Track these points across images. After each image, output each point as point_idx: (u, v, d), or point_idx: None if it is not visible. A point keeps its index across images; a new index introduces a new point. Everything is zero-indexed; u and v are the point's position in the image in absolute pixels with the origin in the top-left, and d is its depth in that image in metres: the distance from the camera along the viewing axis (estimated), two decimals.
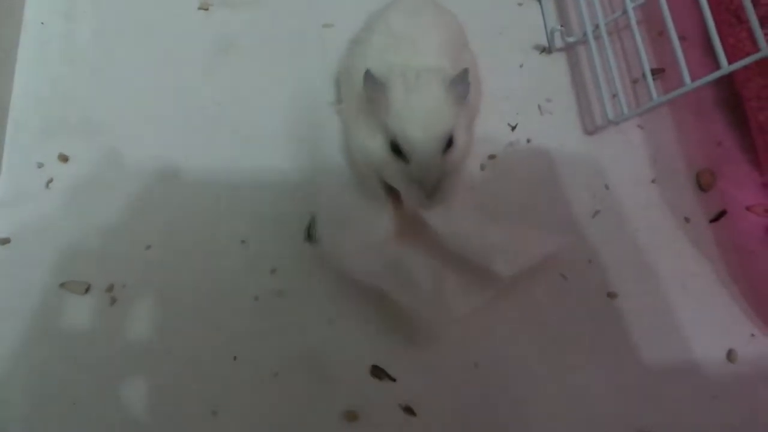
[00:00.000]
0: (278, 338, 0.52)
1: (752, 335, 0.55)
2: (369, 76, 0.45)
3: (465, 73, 0.46)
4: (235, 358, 0.51)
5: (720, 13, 0.58)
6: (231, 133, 0.58)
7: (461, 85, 0.46)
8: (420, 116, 0.44)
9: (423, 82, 0.45)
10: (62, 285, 0.52)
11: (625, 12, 0.57)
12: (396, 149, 0.46)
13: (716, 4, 0.58)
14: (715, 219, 0.59)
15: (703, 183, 0.60)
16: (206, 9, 0.63)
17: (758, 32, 0.47)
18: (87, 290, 0.52)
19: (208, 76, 0.61)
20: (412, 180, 0.46)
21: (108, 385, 0.50)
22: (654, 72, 0.63)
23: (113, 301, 0.52)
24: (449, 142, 0.46)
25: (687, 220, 0.59)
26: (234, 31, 0.63)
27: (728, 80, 0.60)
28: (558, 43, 0.63)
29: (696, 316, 0.55)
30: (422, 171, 0.45)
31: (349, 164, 0.55)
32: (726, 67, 0.49)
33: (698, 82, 0.50)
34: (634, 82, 0.63)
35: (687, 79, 0.51)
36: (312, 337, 0.52)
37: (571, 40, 0.63)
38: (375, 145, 0.47)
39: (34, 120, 0.58)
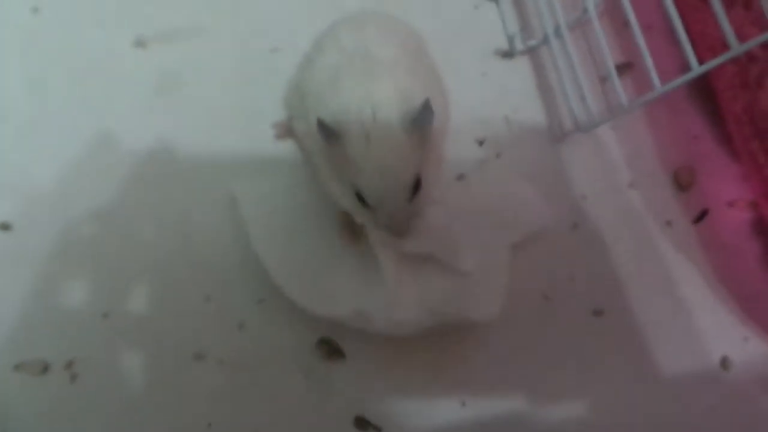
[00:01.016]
0: (252, 402, 0.49)
1: (745, 339, 0.54)
2: (323, 126, 0.41)
3: (427, 103, 0.42)
4: (209, 425, 0.49)
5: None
6: (180, 178, 0.55)
7: (424, 116, 0.42)
8: (382, 169, 0.41)
9: (381, 126, 0.41)
10: (16, 367, 0.49)
11: (586, 11, 0.54)
12: (360, 198, 0.43)
13: None
14: (698, 219, 0.57)
15: (683, 182, 0.58)
16: (143, 46, 0.59)
17: (728, 30, 0.44)
18: (45, 370, 0.49)
19: (153, 117, 0.57)
20: (380, 224, 0.43)
21: None
22: (623, 67, 0.60)
23: (73, 378, 0.49)
24: (416, 185, 0.43)
25: (669, 223, 0.57)
26: (175, 67, 0.58)
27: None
28: (519, 46, 0.60)
29: (686, 324, 0.54)
30: (390, 219, 0.42)
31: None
32: (696, 68, 0.46)
33: (667, 87, 0.47)
34: (603, 80, 0.60)
35: (657, 82, 0.48)
36: (288, 395, 0.50)
37: (532, 43, 0.59)
38: (338, 190, 0.45)
39: None
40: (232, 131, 0.57)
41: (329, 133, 0.41)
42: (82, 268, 0.52)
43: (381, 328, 0.47)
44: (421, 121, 0.41)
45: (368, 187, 0.42)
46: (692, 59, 0.46)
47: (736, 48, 0.44)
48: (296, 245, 0.50)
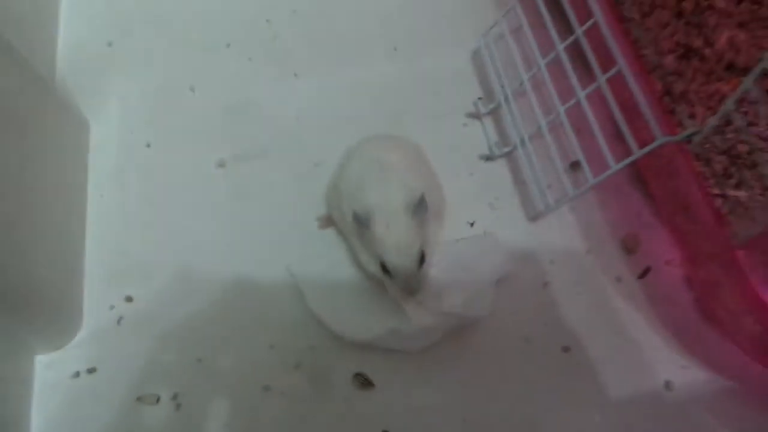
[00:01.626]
0: (305, 422, 0.67)
1: (684, 367, 0.69)
2: (357, 217, 0.62)
3: (422, 198, 0.62)
4: None
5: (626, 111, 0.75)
6: (253, 260, 0.75)
7: (421, 208, 0.62)
8: (398, 249, 0.60)
9: (394, 213, 0.61)
10: (139, 398, 0.68)
11: (547, 122, 0.74)
12: (384, 268, 0.62)
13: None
14: (642, 275, 0.73)
15: (629, 247, 0.75)
16: (223, 166, 0.82)
17: (651, 120, 0.62)
18: (158, 401, 0.68)
19: (230, 217, 0.78)
20: (398, 285, 0.62)
21: None
22: (577, 164, 0.79)
23: (178, 407, 0.68)
24: (422, 258, 0.62)
25: (619, 279, 0.73)
26: (246, 180, 0.81)
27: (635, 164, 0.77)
28: (498, 152, 0.80)
29: (636, 358, 0.69)
30: (405, 283, 0.62)
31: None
32: (613, 166, 0.65)
33: (593, 181, 0.66)
34: (565, 172, 0.79)
35: (590, 177, 0.67)
36: (333, 417, 0.67)
37: (507, 150, 0.79)
38: (368, 263, 0.65)
39: (102, 271, 0.76)
40: (288, 224, 0.77)
41: (362, 221, 0.62)
42: (182, 328, 0.72)
43: (407, 343, 0.65)
44: (420, 211, 0.61)
45: (389, 260, 0.61)
46: (610, 161, 0.65)
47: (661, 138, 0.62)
48: (339, 299, 0.69)
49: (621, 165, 0.63)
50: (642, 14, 0.83)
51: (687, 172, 0.62)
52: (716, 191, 0.63)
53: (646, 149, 0.60)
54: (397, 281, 0.62)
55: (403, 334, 0.65)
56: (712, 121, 0.59)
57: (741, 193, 0.62)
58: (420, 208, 0.61)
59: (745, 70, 0.74)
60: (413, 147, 0.74)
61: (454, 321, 0.66)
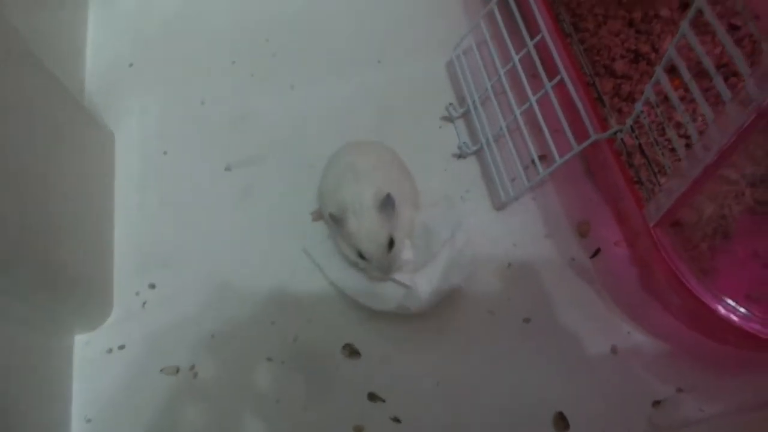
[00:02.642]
0: (303, 385, 0.78)
1: (628, 333, 0.79)
2: (332, 216, 0.74)
3: (389, 197, 0.73)
4: (278, 401, 0.78)
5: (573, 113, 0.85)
6: (257, 250, 0.87)
7: (387, 204, 0.73)
8: (368, 237, 0.72)
9: (363, 210, 0.72)
10: (161, 370, 0.80)
11: (507, 124, 0.85)
12: (360, 255, 0.74)
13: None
14: (593, 255, 0.83)
15: (582, 231, 0.85)
16: (230, 170, 0.94)
17: (587, 120, 0.73)
18: (177, 371, 0.80)
19: (236, 215, 0.90)
20: (374, 268, 0.74)
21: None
22: (540, 158, 0.90)
23: (195, 375, 0.80)
24: (391, 243, 0.73)
25: (573, 259, 0.84)
26: (250, 182, 0.93)
27: (586, 158, 0.87)
28: (468, 151, 0.91)
29: (586, 326, 0.79)
30: (377, 265, 0.73)
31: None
32: (558, 160, 0.76)
33: (545, 173, 0.77)
34: (526, 167, 0.89)
35: (540, 169, 0.78)
36: (326, 381, 0.79)
37: (475, 148, 0.90)
38: (348, 252, 0.77)
39: (129, 262, 0.88)
40: (286, 218, 0.89)
41: (336, 220, 0.73)
42: (199, 312, 0.84)
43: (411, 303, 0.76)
44: (385, 206, 0.72)
45: (362, 247, 0.73)
46: (554, 153, 0.76)
47: (594, 137, 0.72)
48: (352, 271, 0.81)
49: (563, 159, 0.74)
50: (596, 24, 0.93)
51: (614, 163, 0.72)
52: (635, 179, 0.73)
53: (582, 146, 0.71)
54: (372, 264, 0.73)
55: (408, 299, 0.76)
56: (629, 121, 0.69)
57: (648, 181, 0.72)
58: (386, 204, 0.72)
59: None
60: (386, 150, 0.84)
61: (445, 286, 0.77)
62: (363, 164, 0.77)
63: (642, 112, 0.68)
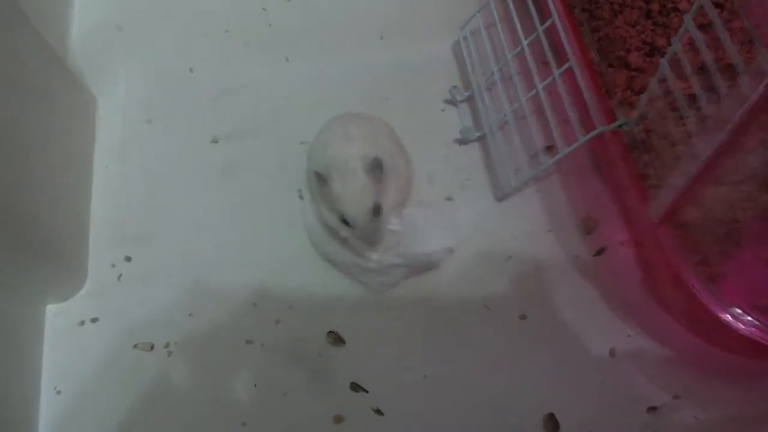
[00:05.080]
0: (284, 370, 0.74)
1: (628, 336, 0.75)
2: (316, 175, 0.69)
3: (377, 159, 0.68)
4: (255, 385, 0.74)
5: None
6: (240, 227, 0.82)
7: (376, 167, 0.68)
8: (352, 199, 0.67)
9: (350, 171, 0.67)
10: (135, 346, 0.76)
11: (512, 111, 0.81)
12: (344, 221, 0.69)
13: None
14: (597, 254, 0.80)
15: (588, 227, 0.81)
16: (216, 142, 0.89)
17: (593, 110, 0.69)
18: (152, 348, 0.76)
19: (223, 185, 0.86)
20: (357, 236, 0.70)
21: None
22: (548, 148, 0.85)
23: (169, 354, 0.75)
24: (378, 209, 0.69)
25: (576, 257, 0.79)
26: (236, 155, 0.88)
27: (594, 151, 0.83)
28: (471, 137, 0.87)
29: (585, 326, 0.75)
30: (362, 232, 0.69)
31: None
32: (563, 150, 0.71)
33: (547, 164, 0.73)
34: (531, 157, 0.85)
35: (543, 160, 0.74)
36: (308, 368, 0.74)
37: (478, 134, 0.86)
38: (330, 218, 0.73)
39: (105, 233, 0.83)
40: (273, 195, 0.84)
41: (321, 179, 0.69)
42: (176, 287, 0.80)
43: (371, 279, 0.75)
44: (372, 169, 0.67)
45: (345, 211, 0.68)
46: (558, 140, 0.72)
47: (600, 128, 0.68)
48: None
49: (568, 150, 0.70)
50: (612, 13, 0.89)
51: (621, 158, 0.68)
52: (640, 174, 0.69)
53: (587, 136, 0.67)
54: (356, 232, 0.69)
55: (368, 269, 0.73)
56: (636, 113, 0.65)
57: (653, 175, 0.69)
58: (374, 167, 0.67)
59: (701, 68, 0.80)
60: (384, 124, 0.80)
61: (413, 261, 0.74)
62: (353, 131, 0.72)
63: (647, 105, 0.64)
